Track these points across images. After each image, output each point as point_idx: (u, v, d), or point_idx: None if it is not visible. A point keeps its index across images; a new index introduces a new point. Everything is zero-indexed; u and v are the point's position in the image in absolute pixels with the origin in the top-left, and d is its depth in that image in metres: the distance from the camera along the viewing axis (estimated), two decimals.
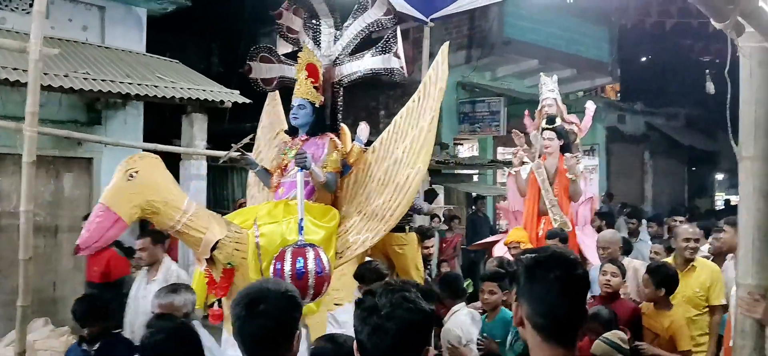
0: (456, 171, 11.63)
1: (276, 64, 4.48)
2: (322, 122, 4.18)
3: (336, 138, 4.16)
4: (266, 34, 14.95)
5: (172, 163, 8.03)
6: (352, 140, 4.31)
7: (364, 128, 4.28)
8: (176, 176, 7.47)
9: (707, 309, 4.34)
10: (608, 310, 3.71)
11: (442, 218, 9.55)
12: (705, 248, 5.74)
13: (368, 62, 4.22)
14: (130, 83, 6.63)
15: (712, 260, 5.04)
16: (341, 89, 4.35)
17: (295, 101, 4.12)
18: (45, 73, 5.51)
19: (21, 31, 6.90)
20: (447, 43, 4.26)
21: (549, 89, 6.49)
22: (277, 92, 4.78)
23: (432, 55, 8.24)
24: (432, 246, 5.89)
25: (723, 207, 14.63)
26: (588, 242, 5.66)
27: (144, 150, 7.15)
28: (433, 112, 3.96)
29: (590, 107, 6.96)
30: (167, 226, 3.45)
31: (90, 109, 7.42)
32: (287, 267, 3.35)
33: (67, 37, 7.48)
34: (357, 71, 4.27)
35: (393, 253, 4.78)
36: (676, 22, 12.46)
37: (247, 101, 7.12)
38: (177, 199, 3.46)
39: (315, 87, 4.11)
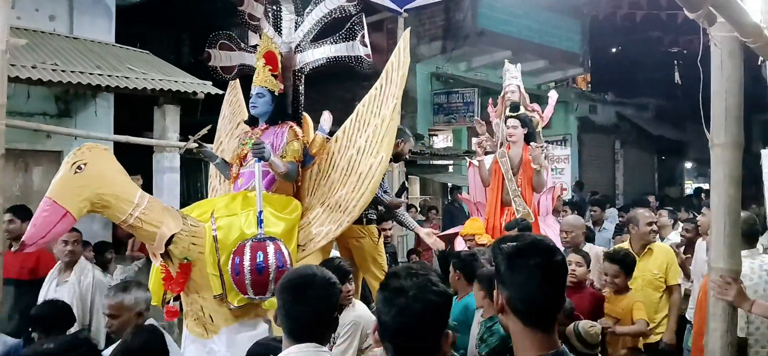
0: (431, 162, 11.68)
1: (236, 52, 4.38)
2: (282, 111, 4.06)
3: (297, 127, 4.05)
4: (239, 25, 14.78)
5: (145, 155, 7.99)
6: (315, 129, 4.21)
7: (327, 118, 4.16)
8: (149, 169, 7.44)
9: (664, 290, 4.49)
10: (568, 301, 3.69)
11: (419, 209, 9.59)
12: (674, 236, 5.87)
13: (331, 49, 4.11)
14: (100, 75, 6.51)
15: (684, 248, 5.21)
16: (303, 76, 4.25)
17: (254, 89, 4.02)
18: (12, 65, 5.37)
19: None
20: (408, 29, 4.14)
21: (512, 76, 6.39)
22: (237, 81, 4.68)
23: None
24: (390, 228, 5.84)
25: (692, 194, 14.94)
26: (550, 232, 5.59)
27: (115, 143, 7.08)
28: (395, 99, 3.86)
29: (552, 96, 6.90)
30: (119, 220, 3.27)
31: (59, 100, 7.27)
32: (247, 261, 3.27)
33: (34, 28, 7.31)
34: (319, 59, 4.16)
35: (351, 246, 4.66)
36: (645, 13, 12.68)
37: (220, 92, 7.03)
38: (128, 192, 3.28)
39: (274, 75, 4.00)
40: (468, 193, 6.67)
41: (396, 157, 4.69)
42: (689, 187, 19.14)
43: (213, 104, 7.60)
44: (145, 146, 7.07)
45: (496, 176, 5.63)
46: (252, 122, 4.12)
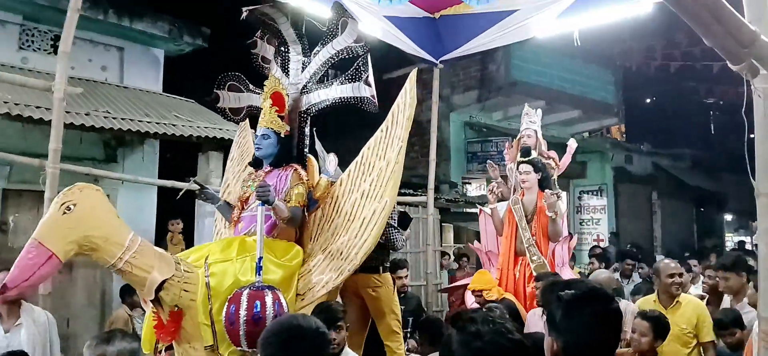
0: (465, 210, 11.70)
1: (245, 93, 4.31)
2: (287, 153, 3.95)
3: (301, 170, 3.93)
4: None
5: (188, 201, 8.16)
6: (321, 172, 4.09)
7: (332, 160, 4.09)
8: (191, 214, 7.62)
9: (694, 346, 4.23)
10: None
11: (452, 256, 9.57)
12: (694, 289, 5.73)
13: (337, 91, 4.00)
14: (148, 122, 6.77)
15: (707, 301, 4.96)
16: (309, 118, 4.13)
17: (259, 130, 3.92)
18: (67, 112, 5.65)
19: (43, 70, 7.08)
20: (415, 69, 3.96)
21: (531, 120, 6.16)
22: (247, 122, 4.58)
23: (441, 97, 8.44)
24: (405, 276, 5.62)
25: (735, 248, 14.56)
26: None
27: (159, 188, 7.30)
28: (401, 142, 3.71)
29: (572, 144, 6.63)
30: (108, 263, 3.10)
31: (107, 146, 7.55)
32: (243, 310, 3.08)
33: (87, 77, 7.66)
34: (325, 100, 4.04)
35: (367, 296, 4.45)
36: (680, 64, 12.66)
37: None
38: (119, 234, 3.13)
39: (280, 116, 3.90)
40: (478, 242, 6.40)
41: None
42: (729, 239, 18.68)
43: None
44: (190, 191, 7.26)
45: (509, 225, 5.37)
46: (256, 164, 4.00)
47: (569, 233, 5.85)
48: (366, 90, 3.91)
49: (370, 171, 3.78)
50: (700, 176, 16.71)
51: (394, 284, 4.63)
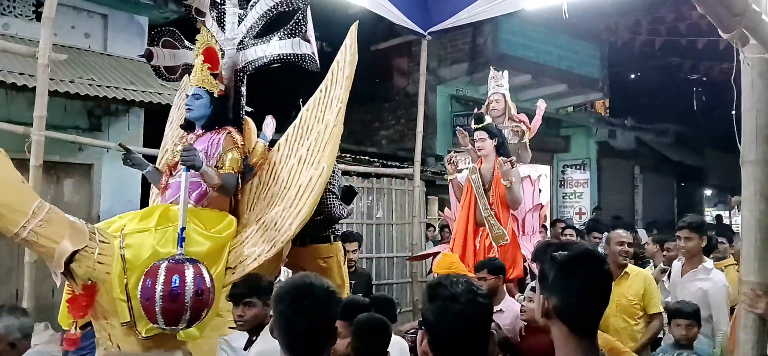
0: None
1: (180, 50, 3.95)
2: (222, 115, 3.65)
3: (236, 133, 3.64)
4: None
5: None
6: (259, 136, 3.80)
7: (269, 122, 3.75)
8: None
9: (641, 318, 4.19)
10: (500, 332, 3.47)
11: (437, 228, 9.64)
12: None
13: (276, 47, 3.69)
14: (133, 90, 6.71)
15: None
16: (245, 76, 3.85)
17: (190, 90, 3.63)
18: (51, 79, 5.57)
19: (25, 37, 6.97)
20: (356, 23, 3.66)
21: (498, 84, 5.91)
22: (187, 80, 4.18)
23: (429, 69, 8.42)
24: (353, 250, 5.33)
25: (713, 223, 14.82)
26: None
27: (144, 155, 7.21)
28: (340, 102, 3.47)
29: (541, 105, 6.36)
30: (11, 233, 2.85)
31: (91, 115, 7.47)
32: (159, 285, 2.81)
33: (70, 44, 7.55)
34: (263, 57, 3.75)
35: (317, 268, 4.01)
36: (665, 40, 12.73)
37: (249, 109, 7.19)
38: (23, 201, 2.86)
39: (213, 74, 3.59)
40: (448, 210, 6.23)
41: None
42: (708, 214, 19.00)
43: None
44: None
45: (468, 194, 5.12)
46: (188, 126, 3.72)
47: (540, 203, 5.70)
48: (306, 47, 3.63)
49: (307, 135, 3.55)
50: (682, 152, 16.93)
51: (345, 254, 4.35)
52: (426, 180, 9.66)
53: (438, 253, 5.37)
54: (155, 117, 7.70)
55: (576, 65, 12.72)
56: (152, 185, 4.02)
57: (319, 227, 3.91)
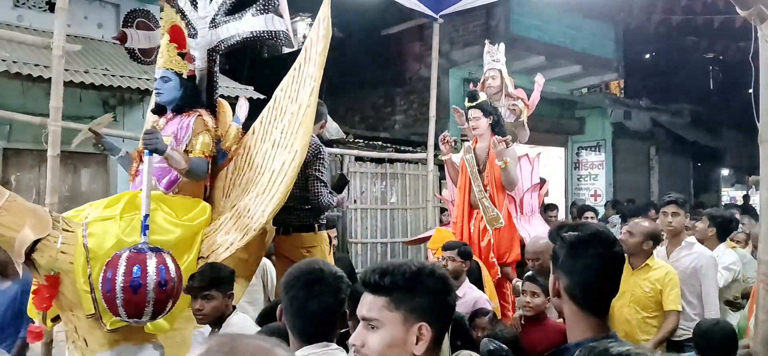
0: None
1: (155, 31, 3.80)
2: (193, 97, 3.51)
3: (207, 116, 3.49)
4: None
5: None
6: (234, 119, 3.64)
7: (242, 104, 3.61)
8: None
9: (656, 312, 3.86)
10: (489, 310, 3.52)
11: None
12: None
13: (249, 24, 3.54)
14: (147, 79, 6.75)
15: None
16: (218, 56, 3.70)
17: (158, 72, 3.46)
18: (66, 69, 5.62)
19: (39, 28, 7.02)
20: None
21: (493, 59, 5.64)
22: None
23: (441, 53, 8.39)
24: (334, 236, 5.17)
25: (730, 202, 14.67)
26: (535, 231, 4.88)
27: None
28: (314, 81, 3.28)
29: (539, 79, 6.17)
30: None
31: (106, 104, 7.54)
32: (120, 276, 2.67)
33: (84, 35, 7.61)
34: (235, 35, 3.59)
35: (300, 257, 3.75)
36: (680, 19, 12.55)
37: (262, 96, 7.21)
38: None
39: (181, 54, 3.43)
40: (446, 191, 6.09)
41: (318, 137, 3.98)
42: (725, 194, 18.80)
43: (252, 108, 7.80)
44: None
45: (463, 175, 4.93)
46: (158, 110, 3.59)
47: (540, 180, 5.46)
48: (279, 23, 3.48)
49: (281, 117, 3.39)
50: (698, 132, 16.73)
51: (331, 244, 4.11)
52: (439, 164, 9.65)
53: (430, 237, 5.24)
54: None
55: (590, 46, 12.58)
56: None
57: (306, 215, 3.80)
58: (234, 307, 3.04)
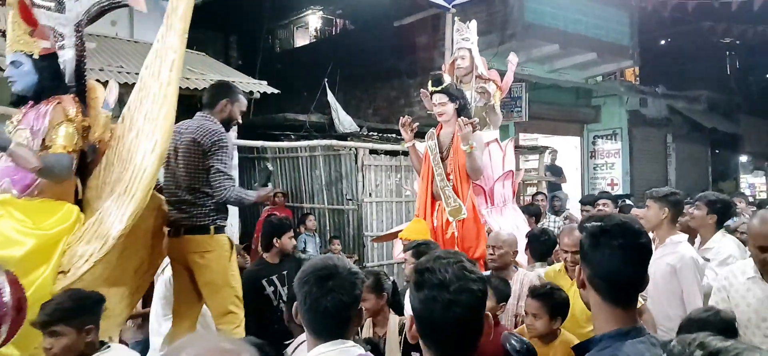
0: None
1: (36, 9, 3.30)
2: (53, 81, 3.08)
3: (69, 103, 3.03)
4: (284, 27, 15.09)
5: None
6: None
7: (112, 87, 3.24)
8: None
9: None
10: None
11: None
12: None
13: None
14: None
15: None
16: (83, 31, 3.37)
17: (8, 57, 3.06)
18: None
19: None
20: None
21: (463, 38, 5.23)
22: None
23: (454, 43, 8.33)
24: (291, 238, 4.56)
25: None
26: (508, 223, 4.58)
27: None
28: (175, 53, 2.87)
29: (512, 58, 5.74)
30: None
31: (121, 102, 7.56)
32: None
33: (98, 33, 7.65)
34: (87, 5, 3.28)
35: (194, 264, 3.36)
36: (697, 3, 12.37)
37: (275, 91, 7.23)
38: None
39: (29, 32, 3.02)
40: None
41: (225, 123, 3.55)
42: (744, 180, 18.58)
43: (265, 103, 7.82)
44: None
45: (426, 163, 4.56)
46: (18, 101, 3.15)
47: (511, 170, 5.06)
48: None
49: (146, 99, 2.99)
50: (715, 118, 16.53)
51: (232, 249, 3.51)
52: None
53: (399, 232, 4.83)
54: (183, 101, 7.79)
55: (605, 33, 12.45)
56: None
57: (201, 215, 3.36)
58: (103, 342, 2.53)
